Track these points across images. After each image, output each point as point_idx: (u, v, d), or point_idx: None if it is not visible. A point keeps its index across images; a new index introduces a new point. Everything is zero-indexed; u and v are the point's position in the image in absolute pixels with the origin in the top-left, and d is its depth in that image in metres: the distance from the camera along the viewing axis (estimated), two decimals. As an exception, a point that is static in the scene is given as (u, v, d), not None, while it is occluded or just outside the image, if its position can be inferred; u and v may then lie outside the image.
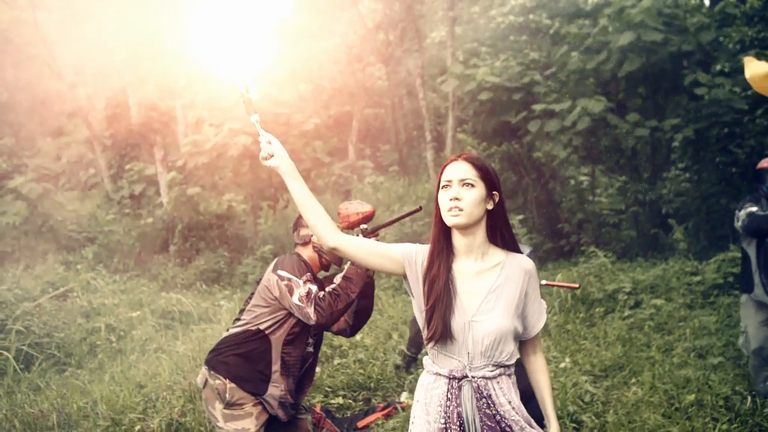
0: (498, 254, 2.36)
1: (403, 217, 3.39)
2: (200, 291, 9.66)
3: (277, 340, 3.30)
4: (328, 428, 4.25)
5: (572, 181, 12.47)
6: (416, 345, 5.74)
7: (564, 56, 11.38)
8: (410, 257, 2.36)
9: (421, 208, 3.25)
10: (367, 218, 3.27)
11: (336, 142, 14.41)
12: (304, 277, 3.24)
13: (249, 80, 2.36)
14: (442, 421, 2.27)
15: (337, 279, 3.25)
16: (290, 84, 12.71)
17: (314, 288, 3.21)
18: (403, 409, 4.87)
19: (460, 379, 2.27)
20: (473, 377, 2.26)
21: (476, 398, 2.26)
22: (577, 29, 12.07)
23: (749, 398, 4.51)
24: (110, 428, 4.27)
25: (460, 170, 2.30)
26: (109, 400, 4.78)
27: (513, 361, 2.33)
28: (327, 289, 3.21)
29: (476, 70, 11.61)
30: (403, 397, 5.14)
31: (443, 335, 2.24)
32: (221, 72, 2.41)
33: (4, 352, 5.89)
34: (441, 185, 2.33)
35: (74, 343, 6.55)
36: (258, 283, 3.44)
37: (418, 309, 2.37)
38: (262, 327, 3.29)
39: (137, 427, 4.23)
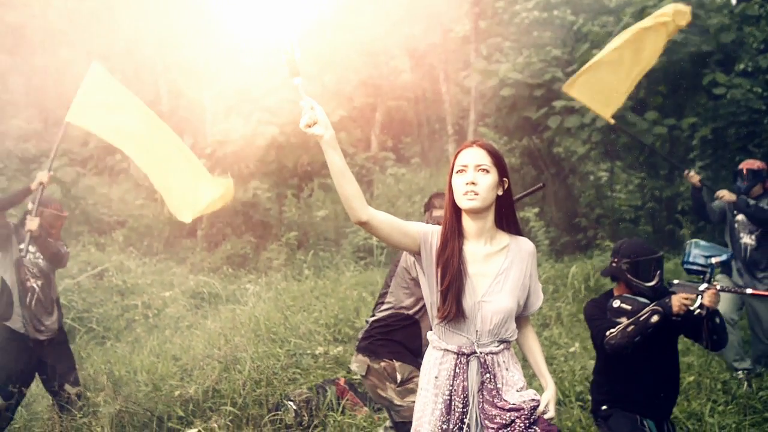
0: (504, 238, 2.49)
1: (525, 195, 3.58)
2: (227, 275, 10.04)
3: (425, 322, 3.42)
4: (351, 399, 4.59)
5: (591, 177, 12.68)
6: None
7: (585, 54, 11.58)
8: (426, 237, 2.44)
9: (544, 185, 3.47)
10: None
11: (359, 134, 14.71)
12: None
13: (294, 38, 2.23)
14: (448, 392, 2.41)
15: None
16: (316, 76, 13.02)
17: None
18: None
19: (468, 355, 2.41)
20: (481, 353, 2.40)
21: (481, 373, 2.40)
22: (599, 27, 12.23)
23: (745, 383, 4.81)
24: (151, 393, 4.65)
25: (476, 156, 2.40)
26: (149, 370, 5.17)
27: (515, 337, 2.50)
28: None
29: (499, 65, 11.85)
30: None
31: (456, 314, 2.37)
32: (265, 30, 2.30)
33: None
34: (456, 170, 2.42)
35: (112, 319, 6.95)
36: (395, 265, 3.56)
37: (428, 287, 2.47)
38: (410, 312, 3.43)
39: (177, 392, 4.61)
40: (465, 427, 2.40)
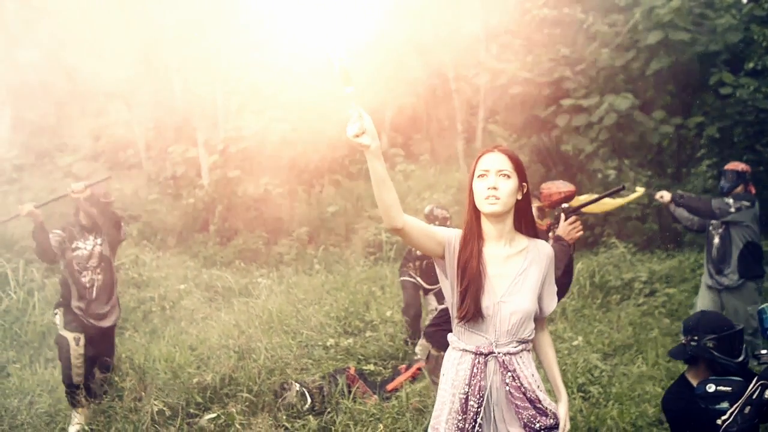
0: (522, 240, 2.53)
1: (604, 196, 3.64)
2: (239, 269, 10.24)
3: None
4: (361, 387, 4.77)
5: (599, 175, 12.79)
6: (414, 333, 6.08)
7: (594, 52, 11.71)
8: (450, 241, 2.49)
9: (624, 187, 3.49)
10: (568, 197, 3.51)
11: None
12: None
13: (345, 47, 2.24)
14: (465, 391, 2.44)
15: None
16: (326, 72, 13.17)
17: None
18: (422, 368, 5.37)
19: (486, 355, 2.44)
20: (499, 353, 2.44)
21: (501, 372, 2.43)
22: (608, 27, 12.32)
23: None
24: (170, 380, 4.84)
25: (497, 161, 2.45)
26: (167, 359, 5.37)
27: (533, 337, 2.53)
28: None
29: (508, 64, 11.98)
30: (417, 348, 5.66)
31: (474, 314, 2.41)
32: (318, 39, 2.29)
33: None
34: (477, 174, 2.46)
35: (129, 310, 7.15)
36: None
37: (450, 288, 2.50)
38: None
39: (194, 380, 4.80)
40: (477, 427, 2.43)
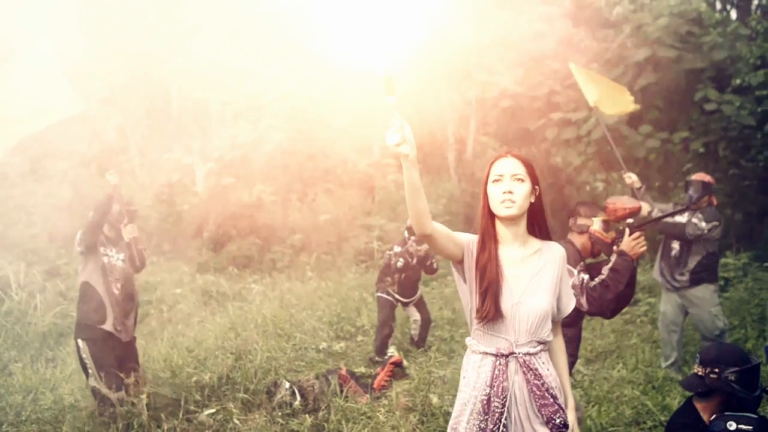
0: (536, 242, 2.61)
1: (670, 214, 3.86)
2: (232, 275, 10.41)
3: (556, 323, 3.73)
4: (352, 387, 4.96)
5: (588, 187, 13.04)
6: (381, 349, 6.26)
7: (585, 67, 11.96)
8: (469, 245, 2.56)
9: (689, 207, 3.65)
10: (633, 213, 3.69)
11: (363, 140, 15.05)
12: (579, 267, 3.57)
13: (391, 58, 2.29)
14: (486, 391, 2.49)
15: (605, 270, 3.56)
16: (319, 82, 13.37)
17: (586, 277, 3.54)
18: (396, 363, 5.57)
19: (507, 356, 2.49)
20: (519, 353, 2.49)
21: (523, 372, 2.49)
22: (597, 43, 12.58)
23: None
24: (170, 379, 5.02)
25: (511, 166, 2.52)
26: (165, 359, 5.55)
27: (551, 338, 2.58)
28: (596, 279, 3.53)
29: (499, 77, 12.22)
30: (391, 350, 5.91)
31: (495, 316, 2.46)
32: (364, 51, 2.35)
33: (73, 314, 6.73)
34: (492, 179, 2.53)
35: (126, 313, 7.31)
36: None
37: (469, 291, 2.57)
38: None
39: (193, 379, 4.98)
40: (502, 427, 2.48)
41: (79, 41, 13.48)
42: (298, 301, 8.07)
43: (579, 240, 3.81)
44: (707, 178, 5.79)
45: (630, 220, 3.67)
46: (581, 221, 3.83)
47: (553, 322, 2.63)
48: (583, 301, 3.50)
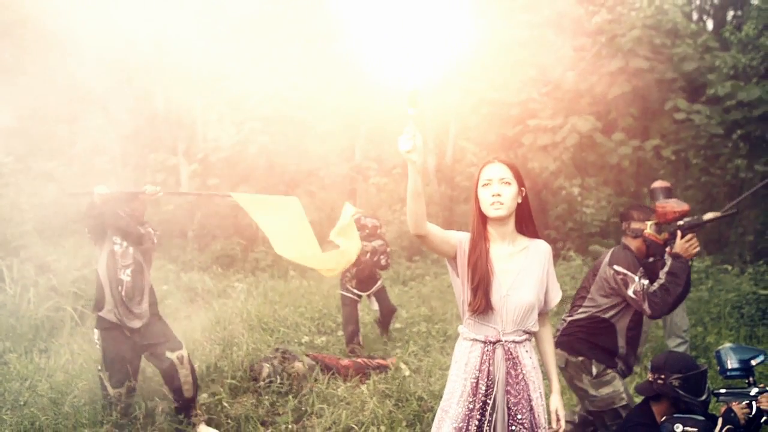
0: (523, 240, 2.81)
1: (718, 218, 3.94)
2: (216, 273, 10.65)
3: (621, 327, 3.83)
4: (326, 359, 5.27)
5: (563, 192, 13.40)
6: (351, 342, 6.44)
7: (560, 77, 12.35)
8: (461, 243, 2.76)
9: (738, 210, 3.70)
10: (683, 215, 3.81)
11: (344, 144, 15.30)
12: (639, 273, 3.68)
13: (420, 75, 2.45)
14: (476, 375, 2.72)
15: (662, 274, 3.67)
16: (304, 85, 13.61)
17: (646, 282, 3.65)
18: (383, 366, 5.86)
19: (494, 343, 2.72)
20: (505, 341, 2.71)
21: (506, 358, 2.71)
22: (574, 51, 12.97)
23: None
24: (159, 367, 5.27)
25: (499, 170, 2.73)
26: (155, 350, 5.80)
27: (537, 329, 2.80)
28: (656, 284, 3.65)
29: (479, 84, 12.55)
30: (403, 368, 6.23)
31: (486, 308, 2.68)
32: (395, 65, 2.47)
33: (68, 308, 6.98)
34: (481, 183, 2.74)
35: (114, 307, 7.54)
36: (593, 273, 3.94)
37: (461, 286, 2.77)
38: (606, 316, 3.82)
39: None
40: (488, 408, 2.69)
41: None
42: (281, 298, 8.34)
43: (634, 244, 3.94)
44: (666, 184, 6.14)
45: (681, 222, 3.81)
46: (635, 225, 3.94)
47: (541, 313, 2.85)
48: (646, 306, 3.63)
